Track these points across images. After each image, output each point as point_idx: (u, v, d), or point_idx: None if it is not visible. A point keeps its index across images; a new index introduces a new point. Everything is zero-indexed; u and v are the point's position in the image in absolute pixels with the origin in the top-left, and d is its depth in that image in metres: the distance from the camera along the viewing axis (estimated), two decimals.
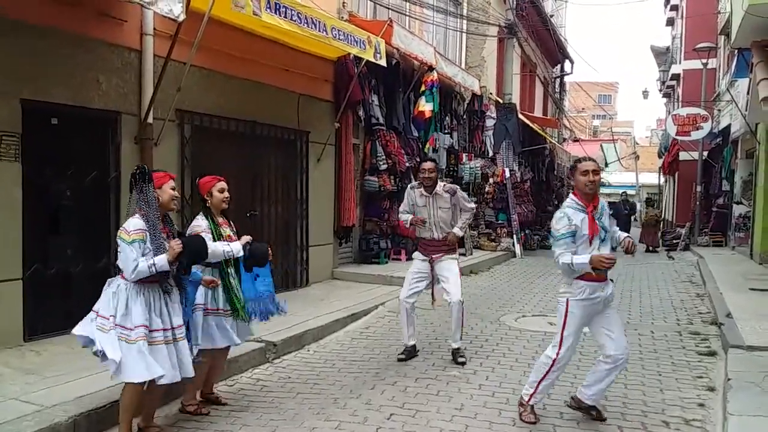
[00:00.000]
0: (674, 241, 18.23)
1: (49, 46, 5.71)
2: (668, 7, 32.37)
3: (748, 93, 13.06)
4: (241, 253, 4.57)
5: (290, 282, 9.22)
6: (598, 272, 4.21)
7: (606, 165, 32.01)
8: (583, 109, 41.35)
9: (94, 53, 6.15)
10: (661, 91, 36.43)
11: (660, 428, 4.44)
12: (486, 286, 10.50)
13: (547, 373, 4.42)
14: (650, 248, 18.71)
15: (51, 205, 6.05)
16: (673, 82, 31.08)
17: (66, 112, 5.97)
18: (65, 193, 6.10)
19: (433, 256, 6.12)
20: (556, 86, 27.35)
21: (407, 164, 11.80)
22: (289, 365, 5.94)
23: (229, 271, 4.62)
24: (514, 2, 17.89)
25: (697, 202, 20.07)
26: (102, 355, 3.85)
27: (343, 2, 10.32)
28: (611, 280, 4.45)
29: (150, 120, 6.64)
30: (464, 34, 16.03)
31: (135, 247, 3.84)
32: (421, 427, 4.44)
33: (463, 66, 15.28)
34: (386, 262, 11.20)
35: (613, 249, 4.44)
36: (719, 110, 20.85)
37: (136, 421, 4.16)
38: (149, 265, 3.82)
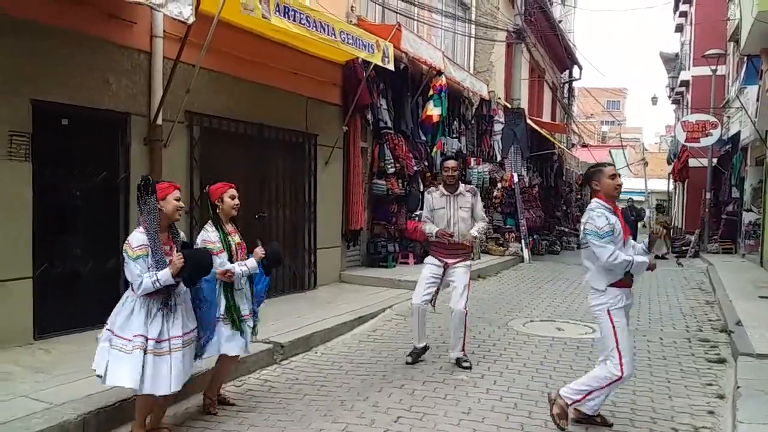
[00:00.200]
0: (684, 248, 18.13)
1: (59, 48, 5.75)
2: (677, 13, 32.30)
3: (757, 100, 13.03)
4: (257, 271, 4.62)
5: (298, 284, 9.22)
6: (631, 279, 4.24)
7: None
8: (591, 114, 41.27)
9: (104, 55, 6.18)
10: (670, 97, 36.35)
11: None
12: (494, 291, 10.48)
13: (607, 386, 4.26)
14: (659, 255, 18.61)
15: (61, 205, 6.08)
16: (683, 89, 31.00)
17: (76, 113, 6.01)
18: (75, 194, 6.13)
19: (449, 261, 6.04)
20: (565, 92, 27.31)
21: (415, 168, 11.81)
22: (297, 367, 5.94)
23: (240, 284, 4.63)
24: (523, 7, 17.90)
25: (707, 209, 19.98)
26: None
27: (352, 6, 10.34)
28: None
29: (159, 121, 6.67)
30: (473, 39, 16.04)
31: (140, 263, 3.87)
32: (428, 430, 4.43)
33: (471, 71, 15.29)
34: (394, 266, 11.19)
35: None
36: (728, 117, 20.78)
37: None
38: (153, 281, 3.84)
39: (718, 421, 4.68)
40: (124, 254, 3.92)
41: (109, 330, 3.96)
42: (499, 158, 16.28)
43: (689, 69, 28.04)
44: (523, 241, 15.58)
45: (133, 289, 3.92)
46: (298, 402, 4.96)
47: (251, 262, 4.56)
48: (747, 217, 16.72)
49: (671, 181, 34.05)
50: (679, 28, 33.12)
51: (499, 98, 16.65)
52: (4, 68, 5.34)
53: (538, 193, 19.47)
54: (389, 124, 11.21)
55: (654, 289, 11.06)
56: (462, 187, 6.13)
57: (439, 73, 11.61)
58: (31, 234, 5.59)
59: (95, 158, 6.29)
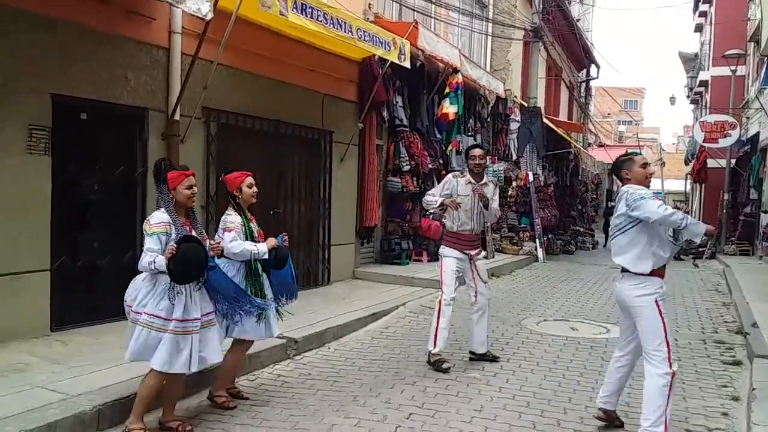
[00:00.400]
0: (700, 249, 17.97)
1: (79, 43, 5.81)
2: (697, 13, 32.01)
3: None
4: (266, 256, 4.59)
5: (312, 280, 9.26)
6: (664, 268, 4.16)
7: None
8: (608, 114, 41.02)
9: (123, 50, 6.24)
10: (688, 97, 36.06)
11: None
12: (507, 290, 10.46)
13: (670, 393, 3.95)
14: (676, 256, 18.49)
15: (79, 198, 6.16)
16: (701, 89, 30.72)
17: (95, 108, 6.07)
18: (93, 187, 6.21)
19: (472, 252, 5.98)
20: (582, 91, 27.16)
21: (430, 166, 11.81)
22: (310, 362, 5.97)
23: (258, 268, 4.65)
24: (541, 6, 17.81)
25: (724, 211, 19.80)
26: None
27: (369, 3, 10.36)
28: None
29: (177, 117, 6.72)
30: (490, 37, 16.00)
31: (154, 239, 3.92)
32: (440, 427, 4.44)
33: (487, 69, 15.25)
34: (407, 263, 11.20)
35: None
36: (748, 118, 20.58)
37: (157, 415, 4.22)
38: (149, 262, 3.87)
39: (733, 423, 4.65)
40: (144, 231, 3.99)
41: (136, 312, 3.99)
42: (514, 157, 16.23)
43: (708, 69, 27.80)
44: (537, 240, 15.51)
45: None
46: (310, 397, 4.98)
47: (263, 246, 4.55)
48: (765, 219, 16.54)
49: (689, 181, 33.78)
50: (699, 28, 32.83)
51: (516, 97, 16.59)
52: (24, 63, 5.41)
53: (553, 193, 19.37)
54: (405, 121, 11.21)
55: (670, 290, 10.92)
56: (486, 177, 6.12)
57: (456, 70, 11.59)
58: (49, 227, 5.66)
59: (113, 153, 6.35)
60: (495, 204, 6.05)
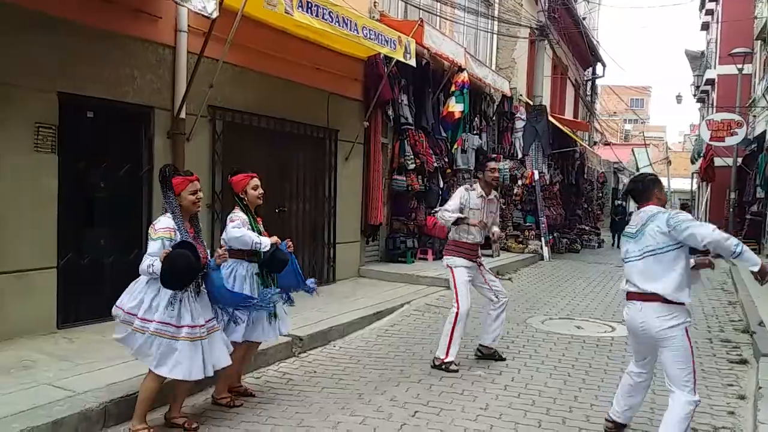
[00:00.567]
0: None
1: (85, 42, 5.83)
2: (703, 11, 31.93)
3: None
4: (268, 248, 4.55)
5: (317, 278, 9.23)
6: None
7: (638, 170, 31.62)
8: (614, 112, 40.91)
9: (129, 49, 6.26)
10: (695, 95, 35.95)
11: None
12: (513, 288, 10.43)
13: (690, 421, 3.84)
14: None
15: (85, 196, 6.18)
16: (708, 87, 30.64)
17: (101, 106, 6.09)
18: (99, 185, 6.24)
19: (478, 260, 6.03)
20: (588, 89, 27.09)
21: (435, 164, 11.80)
22: (315, 360, 5.98)
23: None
24: (546, 4, 17.78)
25: (731, 209, 19.73)
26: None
27: (375, 2, 10.35)
28: None
29: (183, 115, 6.73)
30: (495, 36, 15.97)
31: (158, 244, 3.92)
32: (445, 425, 4.44)
33: (493, 67, 15.22)
34: (413, 262, 11.20)
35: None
36: (754, 116, 20.52)
37: (163, 412, 4.24)
38: (148, 265, 3.88)
39: (739, 422, 4.64)
40: (149, 236, 4.00)
41: (131, 314, 3.97)
42: (520, 155, 16.22)
43: (715, 67, 27.73)
44: (543, 238, 15.50)
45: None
46: (316, 395, 4.99)
47: (265, 239, 4.54)
48: None
49: (695, 180, 33.69)
50: (705, 26, 32.74)
51: (521, 95, 16.57)
52: (31, 62, 5.43)
53: (558, 191, 19.35)
54: (410, 120, 11.21)
55: None
56: (493, 192, 6.15)
57: (461, 69, 11.58)
58: (56, 225, 5.69)
59: (119, 151, 6.37)
60: (496, 228, 6.12)
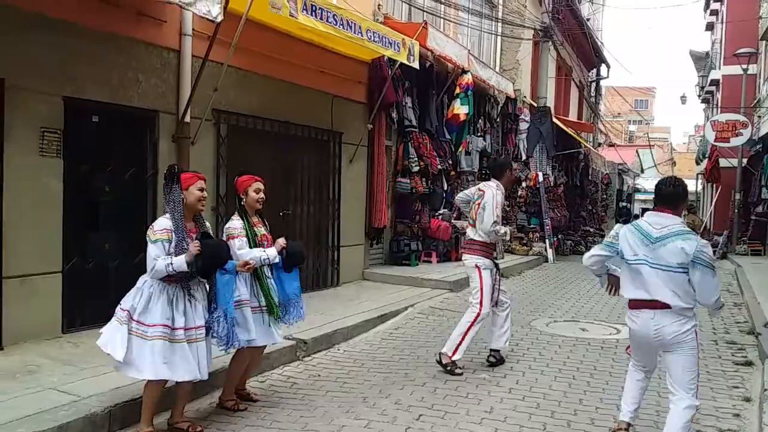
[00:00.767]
0: (712, 249, 17.90)
1: (90, 46, 5.85)
2: (708, 11, 31.85)
3: None
4: (277, 259, 4.60)
5: (321, 282, 9.27)
6: None
7: (642, 171, 31.59)
8: (619, 113, 40.84)
9: (134, 53, 6.27)
10: (699, 96, 35.85)
11: None
12: (517, 290, 10.42)
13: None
14: None
15: (90, 200, 6.20)
16: (713, 88, 30.56)
17: (106, 110, 6.11)
18: (104, 189, 6.25)
19: (496, 260, 6.12)
20: (592, 90, 27.06)
21: (439, 166, 11.80)
22: (319, 363, 5.98)
23: (265, 271, 4.65)
24: (550, 5, 17.76)
25: (736, 210, 19.67)
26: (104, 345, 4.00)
27: (379, 4, 10.36)
28: None
29: (187, 119, 6.75)
30: (499, 37, 15.97)
31: (158, 246, 3.94)
32: (450, 428, 4.44)
33: (497, 69, 15.23)
34: (417, 264, 11.20)
35: None
36: (759, 117, 20.44)
37: (165, 417, 4.24)
38: (166, 264, 3.89)
39: (744, 424, 4.63)
40: (147, 238, 4.00)
41: (126, 311, 3.99)
42: (524, 157, 16.20)
43: (719, 68, 27.66)
44: (547, 240, 15.48)
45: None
46: (320, 398, 5.00)
47: (271, 251, 4.56)
48: None
49: (700, 181, 33.60)
50: (710, 27, 32.66)
51: (525, 97, 16.55)
52: (37, 66, 5.45)
53: (563, 193, 19.32)
54: (414, 122, 11.21)
55: None
56: None
57: (465, 71, 11.58)
58: (61, 229, 5.70)
59: (124, 155, 6.39)
60: (508, 228, 6.29)
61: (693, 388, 3.84)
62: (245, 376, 4.90)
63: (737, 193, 19.80)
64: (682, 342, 3.83)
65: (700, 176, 32.50)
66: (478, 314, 5.74)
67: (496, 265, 6.04)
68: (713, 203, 20.09)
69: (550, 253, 15.23)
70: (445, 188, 12.36)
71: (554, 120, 16.88)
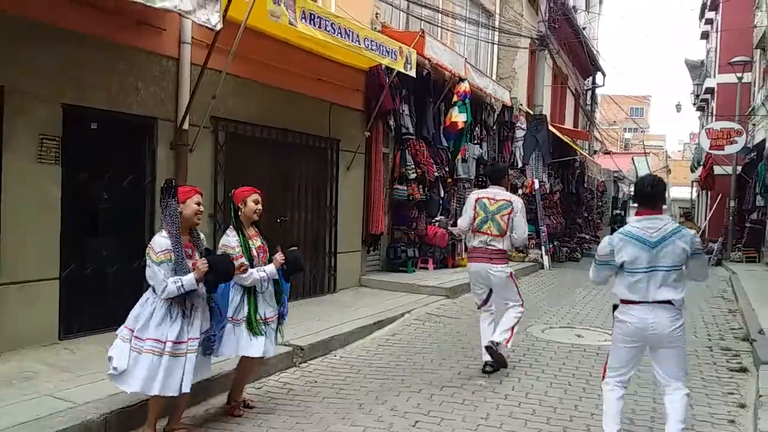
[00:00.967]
0: (706, 256, 17.96)
1: (89, 54, 5.88)
2: (703, 20, 32.04)
3: None
4: (276, 276, 4.64)
5: (318, 288, 9.29)
6: None
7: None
8: (614, 121, 40.98)
9: (133, 61, 6.31)
10: (694, 104, 36.03)
11: None
12: None
13: None
14: None
15: (88, 207, 6.21)
16: (707, 96, 30.72)
17: (105, 117, 6.14)
18: (102, 196, 6.26)
19: None
20: (588, 98, 27.17)
21: (436, 174, 11.84)
22: (316, 369, 6.00)
23: (259, 287, 4.63)
24: (547, 14, 17.86)
25: (731, 217, 19.75)
26: (109, 359, 4.02)
27: (376, 13, 10.42)
28: None
29: (186, 126, 6.77)
30: (496, 46, 16.05)
31: (164, 268, 3.95)
32: None
33: (494, 77, 15.29)
34: (414, 271, 11.22)
35: None
36: (754, 125, 20.57)
37: (162, 423, 4.25)
38: (178, 287, 3.91)
39: (739, 430, 4.66)
40: (147, 258, 4.00)
41: (130, 329, 4.02)
42: (520, 164, 16.25)
43: (714, 76, 27.81)
44: (543, 247, 15.51)
45: (155, 291, 3.98)
46: (316, 404, 5.01)
47: (270, 268, 4.57)
48: None
49: (695, 188, 33.72)
50: (705, 36, 32.85)
51: (521, 105, 16.62)
52: (36, 73, 5.48)
53: (559, 200, 19.37)
54: (411, 130, 11.24)
55: None
56: None
57: (462, 79, 11.64)
58: (58, 235, 5.71)
59: (122, 162, 6.41)
60: None
61: (684, 376, 4.03)
62: (242, 384, 4.90)
63: (732, 201, 19.88)
64: (677, 338, 3.94)
65: (695, 183, 32.62)
66: (522, 311, 6.17)
67: None
68: (711, 211, 20.14)
69: (546, 260, 15.27)
70: (442, 195, 12.40)
71: (550, 128, 16.94)
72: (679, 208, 35.02)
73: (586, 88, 26.78)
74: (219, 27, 5.61)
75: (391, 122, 10.80)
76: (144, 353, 3.94)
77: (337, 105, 9.38)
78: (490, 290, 6.12)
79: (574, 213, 21.99)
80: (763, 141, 18.31)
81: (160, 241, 4.00)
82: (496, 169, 6.90)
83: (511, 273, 6.10)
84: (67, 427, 3.96)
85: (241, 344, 4.54)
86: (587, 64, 23.69)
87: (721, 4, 26.82)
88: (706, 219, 28.36)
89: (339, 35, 7.08)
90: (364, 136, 10.01)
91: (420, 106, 11.61)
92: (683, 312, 3.98)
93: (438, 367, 6.14)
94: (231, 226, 4.64)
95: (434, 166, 11.80)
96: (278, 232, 8.02)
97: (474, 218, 6.07)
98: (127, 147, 6.51)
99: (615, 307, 4.19)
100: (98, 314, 6.08)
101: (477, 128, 14.16)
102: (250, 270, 4.48)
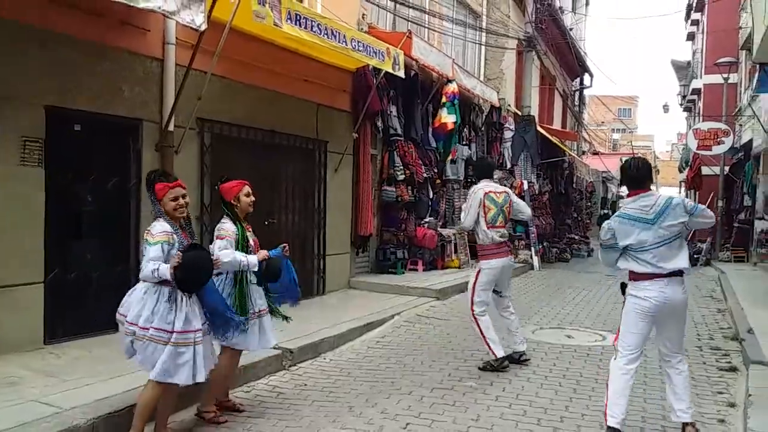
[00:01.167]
0: (695, 256, 18.03)
1: (73, 55, 5.81)
2: (689, 21, 32.22)
3: None
4: (256, 268, 4.55)
5: (306, 291, 9.20)
6: None
7: None
8: (602, 122, 41.18)
9: (117, 62, 6.24)
10: (681, 105, 36.24)
11: None
12: None
13: None
14: None
15: (72, 210, 6.12)
16: (694, 97, 30.89)
17: (89, 119, 6.06)
18: (87, 199, 6.18)
19: None
20: (576, 99, 27.26)
21: (425, 175, 11.83)
22: (305, 372, 5.94)
23: (247, 277, 4.60)
24: (534, 15, 17.90)
25: (718, 217, 19.85)
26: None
27: (363, 14, 10.39)
28: None
29: (171, 128, 6.71)
30: (483, 47, 16.06)
31: (158, 248, 3.91)
32: None
33: (481, 78, 15.31)
34: (403, 273, 11.18)
35: None
36: (741, 125, 20.68)
37: (150, 427, 4.18)
38: (152, 270, 3.85)
39: (729, 430, 4.66)
40: (144, 242, 3.98)
41: (133, 324, 3.94)
42: (509, 165, 16.27)
43: (701, 77, 27.96)
44: (532, 248, 15.52)
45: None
46: (306, 408, 4.96)
47: (253, 258, 4.51)
48: (759, 226, 16.59)
49: (683, 188, 33.89)
50: (691, 37, 33.04)
51: (510, 105, 16.65)
52: (18, 75, 5.41)
53: (548, 201, 19.40)
54: (399, 131, 11.23)
55: None
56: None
57: (450, 80, 11.63)
58: (42, 239, 5.64)
59: (107, 164, 6.34)
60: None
61: (684, 346, 4.34)
62: (228, 387, 4.84)
63: (720, 201, 19.99)
64: (685, 307, 4.27)
65: (682, 184, 32.79)
66: None
67: None
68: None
69: (535, 260, 15.27)
70: (431, 196, 12.38)
71: (538, 128, 16.97)
72: None
73: (573, 89, 26.88)
74: (204, 28, 5.57)
75: (379, 123, 10.77)
76: (156, 343, 3.91)
77: (324, 106, 9.34)
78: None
79: (564, 214, 22.04)
80: (750, 141, 18.43)
81: (161, 224, 4.00)
82: (488, 163, 6.95)
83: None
84: None
85: (249, 337, 4.56)
86: (575, 65, 23.77)
87: (706, 6, 26.99)
88: None
89: (325, 36, 7.04)
90: (351, 138, 9.97)
91: (408, 108, 11.58)
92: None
93: (428, 368, 6.11)
94: (227, 216, 4.59)
95: (423, 167, 11.79)
96: (266, 234, 7.94)
97: (485, 214, 6.06)
98: (111, 149, 6.43)
99: (623, 285, 4.30)
100: (83, 318, 6.00)
101: (465, 129, 14.16)
102: (235, 253, 4.42)
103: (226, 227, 4.52)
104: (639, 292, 4.14)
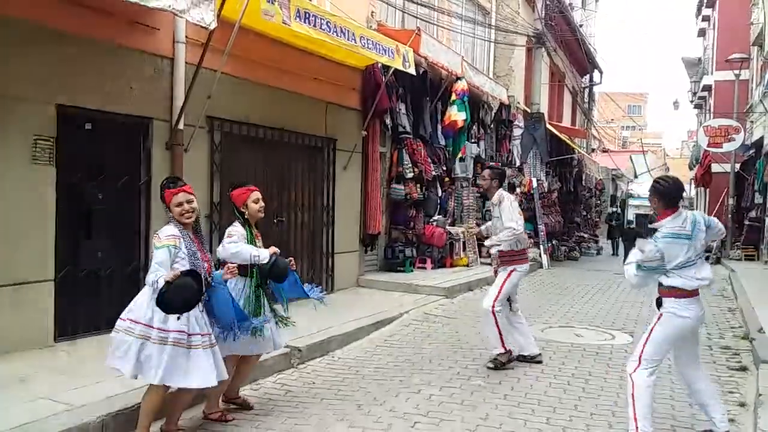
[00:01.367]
0: (705, 254, 17.93)
1: (84, 54, 5.83)
2: (700, 17, 31.99)
3: None
4: (266, 260, 4.53)
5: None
6: None
7: (635, 176, 31.66)
8: (612, 119, 40.97)
9: (127, 61, 6.26)
10: (692, 102, 35.98)
11: None
12: None
13: None
14: None
15: (83, 208, 6.16)
16: (705, 93, 30.68)
17: (99, 118, 6.09)
18: (97, 197, 6.21)
19: (496, 267, 6.37)
20: (585, 96, 27.15)
21: (434, 173, 11.82)
22: (314, 371, 5.96)
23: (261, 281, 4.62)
24: (543, 12, 17.83)
25: (729, 215, 19.74)
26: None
27: (372, 11, 10.38)
28: None
29: (181, 126, 6.73)
30: (492, 44, 16.02)
31: (164, 252, 3.92)
32: None
33: (491, 75, 15.27)
34: (411, 271, 11.18)
35: None
36: (752, 122, 20.54)
37: (160, 424, 4.21)
38: (154, 280, 3.84)
39: (739, 429, 4.63)
40: (153, 246, 4.01)
41: (143, 325, 3.92)
42: (518, 163, 16.24)
43: (712, 73, 27.77)
44: (541, 246, 15.50)
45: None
46: (315, 406, 4.97)
47: (264, 251, 4.52)
48: None
49: (693, 186, 33.70)
50: (702, 33, 32.81)
51: (519, 103, 16.60)
52: (30, 74, 5.44)
53: (557, 198, 19.36)
54: (408, 128, 11.22)
55: None
56: (496, 197, 6.32)
57: (459, 78, 11.60)
58: (53, 236, 5.67)
59: (117, 162, 6.37)
60: (500, 235, 6.18)
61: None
62: (237, 385, 4.86)
63: (731, 198, 19.87)
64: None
65: (692, 181, 32.61)
66: None
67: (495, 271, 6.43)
68: (715, 210, 20.07)
69: (544, 258, 15.25)
70: (440, 194, 12.38)
71: (548, 126, 16.93)
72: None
73: (583, 85, 26.77)
74: (213, 26, 5.58)
75: (388, 121, 10.77)
76: (169, 345, 3.90)
77: (333, 104, 9.35)
78: None
79: (573, 212, 21.99)
80: (762, 138, 18.30)
81: (169, 228, 4.03)
82: (504, 171, 7.10)
83: None
84: (64, 429, 3.92)
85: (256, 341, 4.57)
86: (584, 61, 23.67)
87: (717, 1, 26.81)
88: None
89: (334, 34, 7.04)
90: (360, 136, 9.97)
91: (417, 105, 11.58)
92: None
93: (437, 367, 6.11)
94: (237, 221, 4.62)
95: (432, 165, 11.78)
96: (275, 232, 7.99)
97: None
98: (121, 147, 6.46)
99: (659, 300, 4.27)
100: (94, 316, 6.03)
101: (474, 127, 14.14)
102: (245, 245, 4.47)
103: (237, 229, 4.55)
104: (683, 312, 4.14)
